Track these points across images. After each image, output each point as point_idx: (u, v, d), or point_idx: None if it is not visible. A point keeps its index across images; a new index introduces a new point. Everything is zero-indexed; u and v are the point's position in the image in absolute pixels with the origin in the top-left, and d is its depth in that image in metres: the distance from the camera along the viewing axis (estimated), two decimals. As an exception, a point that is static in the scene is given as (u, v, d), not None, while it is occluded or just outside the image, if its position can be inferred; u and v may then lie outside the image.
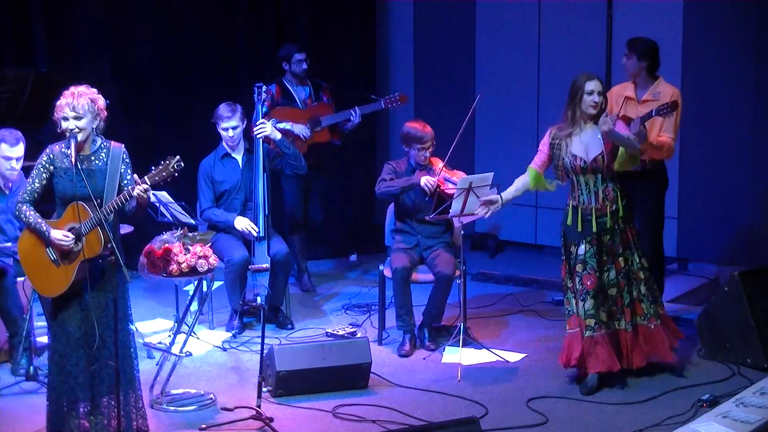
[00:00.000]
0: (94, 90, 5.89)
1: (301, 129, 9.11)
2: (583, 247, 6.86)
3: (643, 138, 7.22)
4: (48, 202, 5.97)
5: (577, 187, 6.89)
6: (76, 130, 5.76)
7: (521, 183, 7.07)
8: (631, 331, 6.97)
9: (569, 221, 6.90)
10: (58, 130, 5.86)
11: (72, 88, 5.85)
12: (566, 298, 7.03)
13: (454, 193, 7.46)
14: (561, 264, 7.05)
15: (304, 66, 9.26)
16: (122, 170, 5.90)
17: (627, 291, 6.96)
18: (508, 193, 7.09)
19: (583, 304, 6.86)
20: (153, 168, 5.82)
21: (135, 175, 5.83)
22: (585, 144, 6.80)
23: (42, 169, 5.86)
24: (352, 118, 9.15)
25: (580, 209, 6.86)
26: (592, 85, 6.77)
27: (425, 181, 7.74)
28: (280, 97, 9.26)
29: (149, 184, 5.77)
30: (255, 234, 8.06)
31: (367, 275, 9.91)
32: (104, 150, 5.90)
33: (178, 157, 5.82)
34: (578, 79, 6.82)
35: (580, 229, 6.84)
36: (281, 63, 9.34)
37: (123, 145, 5.97)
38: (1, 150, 7.38)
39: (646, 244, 8.04)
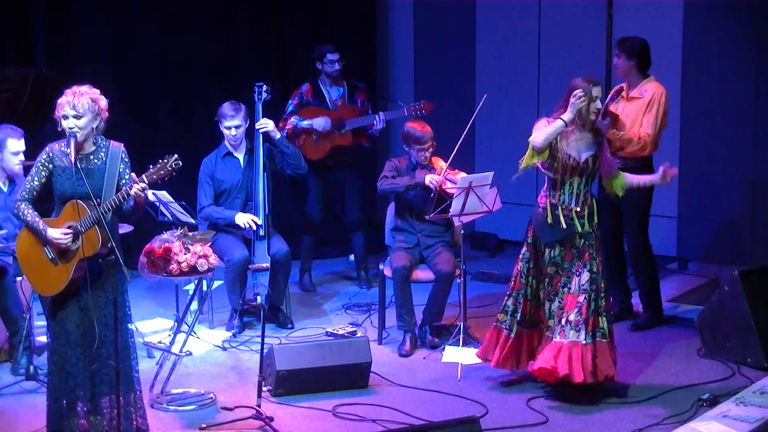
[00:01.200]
0: (97, 90, 5.89)
1: (320, 123, 9.12)
2: (557, 249, 6.84)
3: (605, 129, 7.42)
4: (47, 201, 5.97)
5: (560, 187, 6.81)
6: (76, 129, 5.76)
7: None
8: (591, 344, 6.71)
9: (550, 220, 6.81)
10: (59, 129, 5.85)
11: (74, 87, 5.85)
12: (511, 295, 7.02)
13: (454, 193, 7.46)
14: (519, 259, 7.03)
15: (337, 66, 9.26)
16: (121, 169, 5.89)
17: (593, 299, 6.78)
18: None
19: (550, 305, 6.86)
20: (151, 166, 5.82)
21: (133, 174, 5.82)
22: (579, 146, 6.76)
23: (41, 167, 5.85)
24: (375, 123, 9.14)
25: (560, 208, 6.82)
26: (597, 91, 6.72)
27: (430, 179, 7.74)
28: (310, 96, 9.28)
29: (147, 182, 5.76)
30: (256, 226, 8.06)
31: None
32: (104, 149, 5.90)
33: (176, 155, 5.82)
34: (583, 84, 6.70)
35: (564, 227, 6.78)
36: (315, 62, 9.35)
37: (122, 145, 5.97)
38: (9, 146, 7.39)
39: (631, 240, 8.07)
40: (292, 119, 9.15)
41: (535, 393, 6.91)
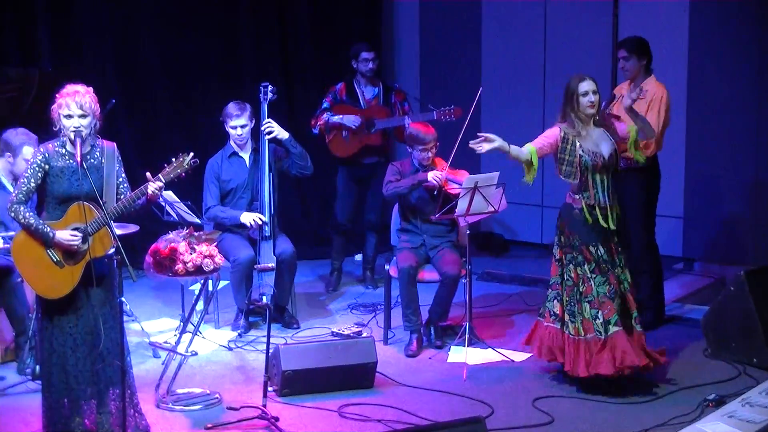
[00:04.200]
0: (91, 89, 5.89)
1: (351, 120, 9.14)
2: (602, 247, 6.83)
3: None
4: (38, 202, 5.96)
5: (591, 186, 6.80)
6: (81, 128, 5.76)
7: (525, 150, 6.88)
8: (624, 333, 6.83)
9: (590, 220, 6.81)
10: (54, 128, 5.82)
11: (71, 87, 5.82)
12: (559, 301, 6.98)
13: (458, 193, 7.46)
14: (556, 263, 6.98)
15: (370, 65, 9.27)
16: (117, 168, 5.90)
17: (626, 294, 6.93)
18: (514, 147, 6.89)
19: (614, 302, 6.84)
20: (166, 165, 5.81)
21: (148, 173, 5.81)
22: (596, 142, 6.78)
23: (37, 168, 5.79)
24: (405, 125, 9.13)
25: (597, 207, 6.83)
26: (586, 86, 6.76)
27: (433, 175, 7.73)
28: (344, 95, 9.30)
29: (164, 181, 5.76)
30: (261, 222, 8.06)
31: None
32: (98, 149, 5.89)
33: (192, 153, 5.83)
34: (571, 83, 6.79)
35: (604, 226, 6.79)
36: (351, 61, 9.37)
37: (115, 144, 5.96)
38: (24, 152, 7.37)
39: (636, 240, 8.06)
40: (324, 116, 9.18)
41: (541, 393, 6.91)
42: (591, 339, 6.78)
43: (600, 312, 6.78)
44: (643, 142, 7.28)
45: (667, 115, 7.94)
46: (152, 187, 5.75)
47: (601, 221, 6.79)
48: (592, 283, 6.81)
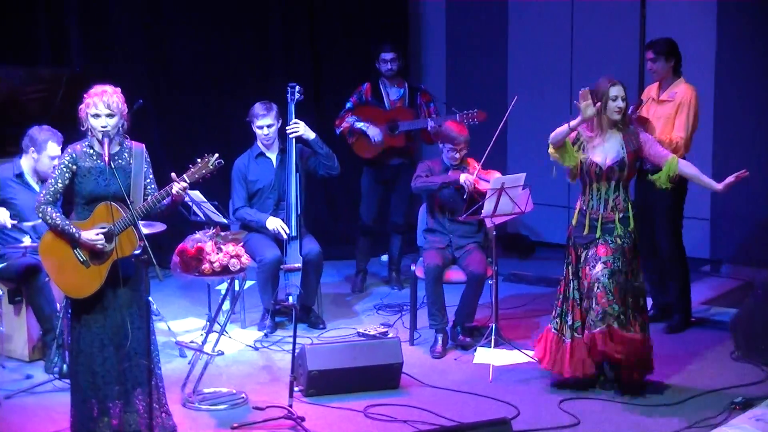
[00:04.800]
0: (119, 89, 5.91)
1: (374, 133, 9.15)
2: (592, 250, 6.81)
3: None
4: (66, 202, 5.99)
5: (588, 192, 6.84)
6: (109, 128, 5.77)
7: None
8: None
9: (574, 222, 6.86)
10: (82, 128, 5.85)
11: (99, 87, 5.85)
12: (558, 299, 7.02)
13: (487, 191, 7.47)
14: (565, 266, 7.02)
15: (390, 66, 9.27)
16: (145, 169, 5.91)
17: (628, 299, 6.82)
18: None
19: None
20: (191, 166, 5.83)
21: (173, 174, 5.83)
22: (606, 150, 6.75)
23: (65, 169, 5.83)
24: (428, 127, 9.13)
25: (588, 214, 6.81)
26: (616, 91, 6.73)
27: (465, 177, 7.73)
28: (369, 95, 9.31)
29: (188, 181, 5.78)
30: (285, 235, 8.08)
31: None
32: (126, 149, 5.91)
33: (216, 154, 5.84)
34: (601, 85, 6.76)
35: (586, 232, 6.80)
36: (374, 62, 9.39)
37: (143, 145, 5.98)
38: (49, 149, 7.42)
39: (665, 242, 8.03)
40: (349, 118, 9.18)
41: (567, 395, 6.89)
42: (557, 336, 6.96)
43: (570, 314, 6.88)
44: (669, 145, 7.26)
45: (696, 117, 7.91)
46: (177, 187, 5.76)
47: (586, 228, 6.78)
48: (570, 285, 6.90)
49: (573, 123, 6.69)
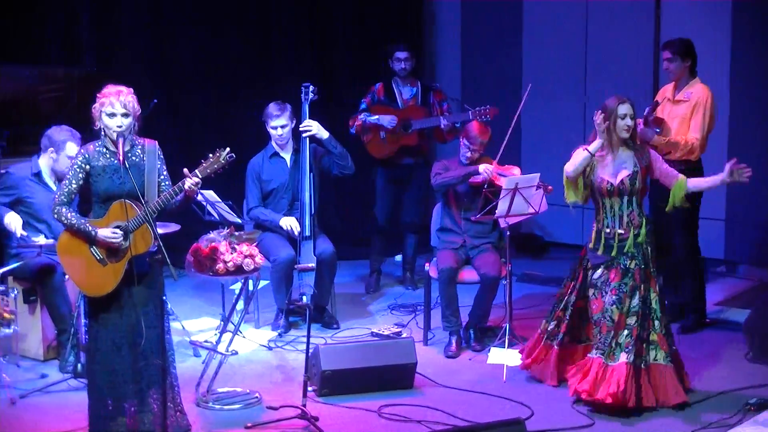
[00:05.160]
0: (131, 89, 5.93)
1: (388, 120, 9.16)
2: (600, 271, 6.77)
3: (650, 136, 7.55)
4: (83, 201, 6.00)
5: (601, 210, 6.81)
6: (123, 127, 5.79)
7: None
8: (643, 368, 6.66)
9: (592, 245, 6.82)
10: (95, 127, 5.87)
11: (113, 87, 5.87)
12: (552, 312, 7.05)
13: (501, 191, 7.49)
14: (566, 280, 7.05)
15: (403, 65, 9.29)
16: (158, 166, 5.93)
17: (642, 323, 6.70)
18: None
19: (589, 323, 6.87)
20: (203, 161, 5.84)
21: (185, 169, 5.84)
22: (615, 167, 6.72)
23: (78, 170, 5.86)
24: (441, 126, 9.13)
25: (603, 233, 6.79)
26: (624, 109, 6.69)
27: (484, 168, 7.74)
28: (382, 95, 9.33)
29: (200, 177, 5.78)
30: (296, 232, 8.08)
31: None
32: (139, 147, 5.93)
33: (228, 149, 5.83)
34: (609, 103, 6.72)
35: (601, 252, 6.77)
36: (387, 60, 9.40)
37: (156, 142, 6.00)
38: (67, 148, 7.44)
39: (679, 244, 8.02)
40: (361, 116, 9.20)
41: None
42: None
43: (553, 323, 7.01)
44: (684, 146, 7.25)
45: (712, 118, 7.90)
46: (189, 182, 5.77)
47: (602, 248, 6.75)
48: (565, 298, 6.98)
49: (592, 148, 6.68)
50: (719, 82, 9.23)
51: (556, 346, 7.00)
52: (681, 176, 6.83)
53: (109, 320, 5.89)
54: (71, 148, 7.41)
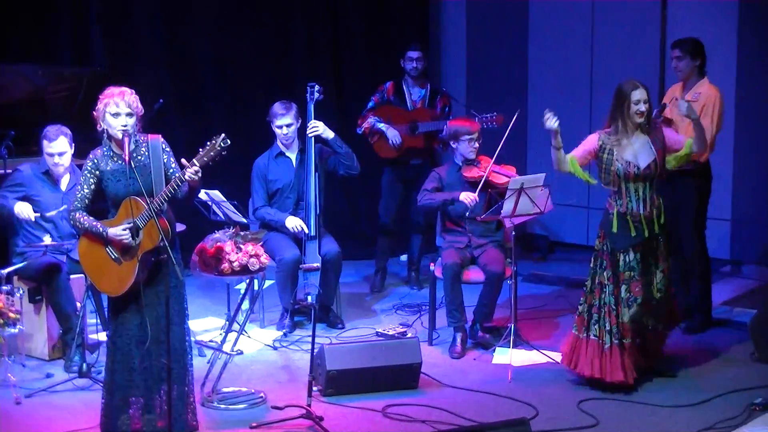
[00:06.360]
0: (133, 90, 5.95)
1: (393, 135, 9.16)
2: (632, 254, 6.83)
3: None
4: (102, 200, 6.03)
5: (625, 194, 6.84)
6: (128, 127, 5.82)
7: (566, 159, 7.01)
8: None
9: (615, 228, 6.86)
10: (99, 128, 5.91)
11: (115, 88, 5.91)
12: (586, 303, 7.02)
13: (502, 182, 7.50)
14: (591, 268, 7.04)
15: (415, 65, 9.29)
16: (165, 159, 5.96)
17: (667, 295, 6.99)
18: (562, 152, 7.00)
19: (629, 311, 6.84)
20: (200, 150, 5.84)
21: (183, 159, 5.85)
22: (636, 151, 6.77)
23: (89, 175, 5.93)
24: (445, 129, 9.12)
25: (628, 216, 6.83)
26: (638, 94, 6.75)
27: (465, 196, 7.76)
28: (392, 95, 9.33)
29: (199, 165, 5.79)
30: (306, 232, 8.09)
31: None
32: (143, 145, 5.96)
33: (223, 135, 5.83)
34: (624, 88, 6.79)
35: (634, 234, 6.80)
36: (399, 60, 9.40)
37: (160, 136, 6.02)
38: (43, 146, 7.48)
39: (688, 243, 8.01)
40: (370, 119, 9.19)
41: (587, 395, 6.88)
42: (597, 342, 6.93)
43: (607, 320, 6.87)
44: (694, 155, 7.26)
45: (720, 118, 7.89)
46: (189, 172, 5.77)
47: (632, 230, 6.79)
48: (606, 291, 6.89)
49: (554, 142, 6.93)
50: (726, 82, 9.20)
51: (608, 343, 6.91)
52: (688, 139, 7.02)
53: (126, 320, 5.95)
54: (44, 145, 7.44)
